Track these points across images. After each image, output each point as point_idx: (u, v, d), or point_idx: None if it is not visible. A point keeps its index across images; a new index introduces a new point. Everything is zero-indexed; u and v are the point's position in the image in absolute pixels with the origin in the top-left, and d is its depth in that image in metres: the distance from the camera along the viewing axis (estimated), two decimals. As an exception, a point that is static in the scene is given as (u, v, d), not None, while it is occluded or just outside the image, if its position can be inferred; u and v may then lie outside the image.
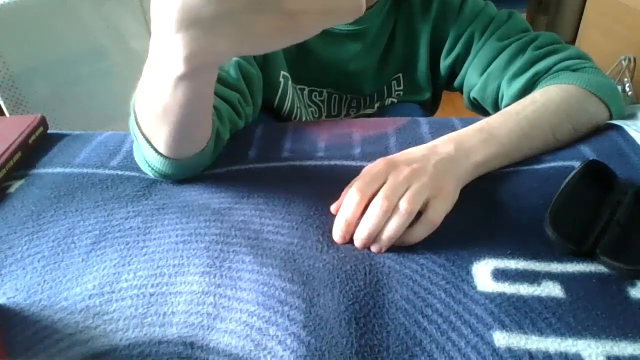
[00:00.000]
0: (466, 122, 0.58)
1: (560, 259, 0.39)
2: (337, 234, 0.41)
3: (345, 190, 0.45)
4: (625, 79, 1.76)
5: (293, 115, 0.72)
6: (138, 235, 0.44)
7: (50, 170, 0.54)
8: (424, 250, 0.41)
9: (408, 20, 0.70)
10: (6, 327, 0.36)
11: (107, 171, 0.53)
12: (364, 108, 0.78)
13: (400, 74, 0.75)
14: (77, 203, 0.48)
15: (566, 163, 0.49)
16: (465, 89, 0.70)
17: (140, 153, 0.48)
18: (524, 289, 0.37)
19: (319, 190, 0.48)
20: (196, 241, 0.42)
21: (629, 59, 1.76)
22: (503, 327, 0.34)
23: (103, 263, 0.41)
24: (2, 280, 0.40)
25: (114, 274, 0.40)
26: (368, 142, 0.56)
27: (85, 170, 0.53)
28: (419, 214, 0.41)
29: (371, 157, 0.53)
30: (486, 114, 0.67)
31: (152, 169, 0.48)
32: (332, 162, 0.53)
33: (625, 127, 0.53)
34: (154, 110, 0.40)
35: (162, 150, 0.44)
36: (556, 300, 0.36)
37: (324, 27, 0.30)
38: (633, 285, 0.36)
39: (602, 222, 0.40)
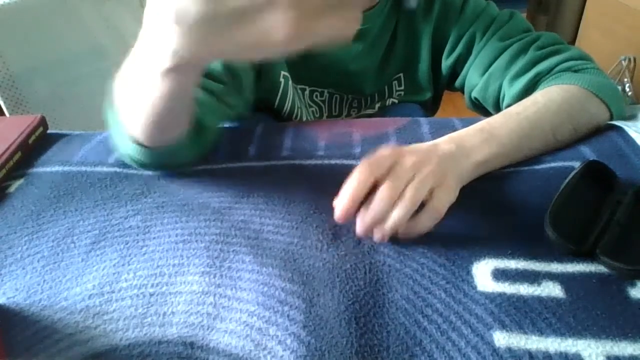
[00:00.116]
0: (467, 122, 0.58)
1: (560, 259, 0.39)
2: (339, 211, 0.40)
3: (348, 177, 0.43)
4: (625, 79, 1.76)
5: (294, 116, 0.72)
6: (138, 235, 0.44)
7: (49, 169, 0.54)
8: (424, 250, 0.41)
9: (409, 21, 0.70)
10: (6, 327, 0.36)
11: (105, 169, 0.53)
12: (365, 108, 0.78)
13: (402, 74, 0.75)
14: (76, 202, 0.48)
15: (566, 163, 0.49)
16: (466, 89, 0.70)
17: (118, 139, 0.48)
18: (524, 289, 0.37)
19: (319, 190, 0.48)
20: (196, 241, 0.42)
21: (629, 59, 1.76)
22: (503, 327, 0.34)
23: (103, 263, 0.41)
24: (2, 280, 0.40)
25: (114, 273, 0.40)
26: (368, 142, 0.56)
27: (84, 169, 0.53)
28: (422, 205, 0.40)
29: (371, 157, 0.53)
30: (487, 114, 0.67)
31: (130, 157, 0.48)
32: (332, 162, 0.53)
33: (625, 128, 0.53)
34: (133, 97, 0.40)
35: (138, 137, 0.45)
36: (556, 300, 0.36)
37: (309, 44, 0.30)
38: (633, 285, 0.36)
39: (602, 222, 0.40)
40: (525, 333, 0.33)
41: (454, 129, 0.49)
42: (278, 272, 0.39)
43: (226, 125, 0.60)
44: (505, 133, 0.48)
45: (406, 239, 0.41)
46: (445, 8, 0.67)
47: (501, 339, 0.33)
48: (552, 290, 0.36)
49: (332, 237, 0.42)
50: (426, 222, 0.40)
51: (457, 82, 0.71)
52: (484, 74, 0.65)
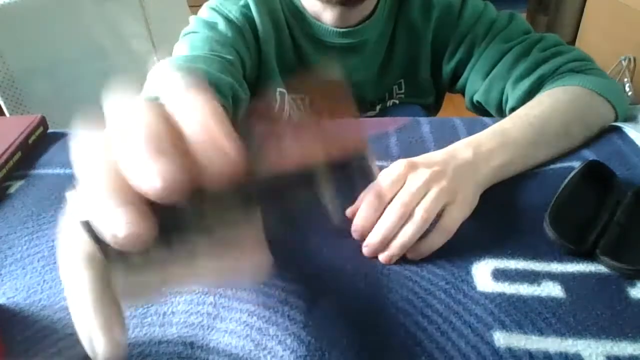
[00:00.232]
0: (467, 122, 0.58)
1: (560, 259, 0.39)
2: (359, 236, 0.40)
3: (362, 194, 0.42)
4: (625, 79, 1.76)
5: None
6: (138, 235, 0.43)
7: (50, 171, 0.54)
8: (424, 250, 0.41)
9: (408, 29, 0.69)
10: (6, 327, 0.36)
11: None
12: (365, 112, 0.78)
13: (402, 80, 0.75)
14: (77, 203, 0.48)
15: (566, 163, 0.49)
16: (467, 93, 0.69)
17: None
18: (524, 289, 0.37)
19: (319, 190, 0.48)
20: (196, 241, 0.42)
21: (629, 59, 1.76)
22: (503, 327, 0.34)
23: (103, 263, 0.41)
24: (2, 280, 0.40)
25: (114, 274, 0.40)
26: (368, 142, 0.56)
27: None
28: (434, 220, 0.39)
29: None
30: (487, 115, 0.67)
31: None
32: (332, 162, 0.53)
33: (625, 129, 0.53)
34: None
35: None
36: (556, 300, 0.36)
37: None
38: (633, 285, 0.36)
39: (602, 222, 0.40)
40: (525, 333, 0.33)
41: (454, 129, 0.49)
42: (278, 272, 0.39)
43: None
44: (521, 134, 0.48)
45: (415, 258, 0.40)
46: (444, 14, 0.67)
47: (501, 339, 0.33)
48: (552, 290, 0.36)
49: (332, 237, 0.42)
50: (437, 241, 0.39)
51: (458, 86, 0.71)
52: (485, 77, 0.64)
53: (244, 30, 0.63)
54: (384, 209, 0.40)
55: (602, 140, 0.53)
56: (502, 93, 0.63)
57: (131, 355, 0.33)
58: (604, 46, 1.90)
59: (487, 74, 0.64)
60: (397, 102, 0.78)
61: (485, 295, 0.36)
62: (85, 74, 1.20)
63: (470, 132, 0.50)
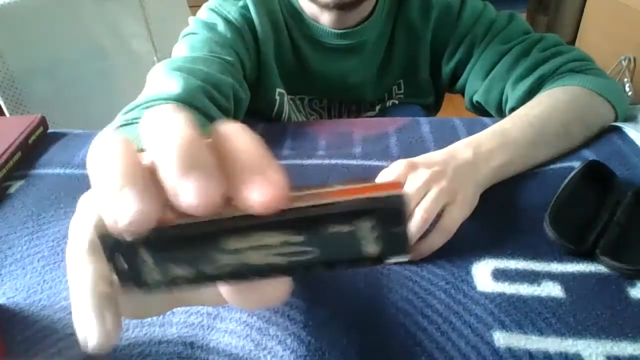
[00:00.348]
0: (466, 122, 0.58)
1: (560, 259, 0.39)
2: None
3: None
4: (625, 79, 1.76)
5: None
6: (138, 235, 0.43)
7: (50, 171, 0.54)
8: (424, 250, 0.41)
9: (407, 30, 0.69)
10: (6, 327, 0.36)
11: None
12: (365, 112, 0.78)
13: (401, 80, 0.75)
14: (77, 203, 0.48)
15: (566, 164, 0.49)
16: (467, 93, 0.69)
17: None
18: (524, 289, 0.37)
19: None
20: (196, 241, 0.42)
21: (629, 59, 1.76)
22: (503, 327, 0.34)
23: (103, 263, 0.41)
24: (2, 280, 0.40)
25: (114, 274, 0.40)
26: (368, 141, 0.56)
27: (84, 171, 0.53)
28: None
29: (371, 156, 0.53)
30: (487, 115, 0.67)
31: None
32: (333, 161, 0.53)
33: (625, 129, 0.53)
34: None
35: None
36: (556, 300, 0.36)
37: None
38: (633, 285, 0.36)
39: (602, 222, 0.40)
40: (525, 333, 0.33)
41: (454, 129, 0.49)
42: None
43: None
44: (521, 134, 0.48)
45: (415, 258, 0.40)
46: (443, 14, 0.67)
47: (501, 339, 0.33)
48: (552, 290, 0.36)
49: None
50: (437, 241, 0.39)
51: (458, 86, 0.71)
52: (485, 77, 0.64)
53: (243, 31, 0.63)
54: None
55: (602, 140, 0.53)
56: (502, 93, 0.63)
57: (131, 355, 0.33)
58: (604, 46, 1.90)
59: (487, 74, 0.64)
60: (396, 102, 0.78)
61: (485, 295, 0.36)
62: (85, 74, 1.20)
63: (470, 132, 0.50)
